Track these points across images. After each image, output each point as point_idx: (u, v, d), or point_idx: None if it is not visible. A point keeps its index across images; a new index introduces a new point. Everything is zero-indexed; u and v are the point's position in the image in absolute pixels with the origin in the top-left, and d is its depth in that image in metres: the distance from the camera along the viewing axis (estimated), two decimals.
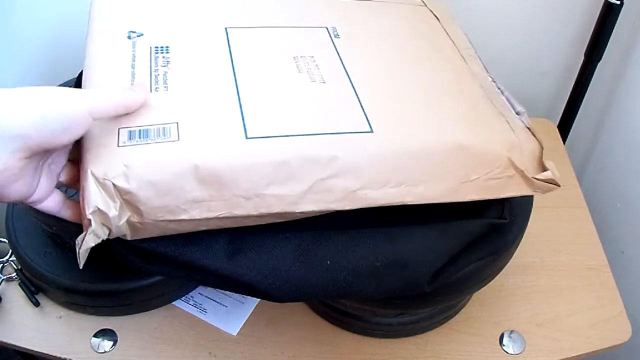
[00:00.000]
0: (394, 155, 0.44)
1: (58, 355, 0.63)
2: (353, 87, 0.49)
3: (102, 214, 0.39)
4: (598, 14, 0.81)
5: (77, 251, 0.39)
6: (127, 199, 0.40)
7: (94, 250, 0.40)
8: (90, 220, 0.39)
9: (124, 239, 0.43)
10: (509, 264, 0.58)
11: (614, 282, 0.71)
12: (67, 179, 0.44)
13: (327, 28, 0.56)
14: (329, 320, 0.67)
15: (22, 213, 0.67)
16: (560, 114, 0.93)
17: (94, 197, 0.39)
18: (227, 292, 0.69)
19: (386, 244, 0.46)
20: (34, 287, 0.67)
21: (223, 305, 0.68)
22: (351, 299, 0.59)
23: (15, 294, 0.68)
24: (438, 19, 0.62)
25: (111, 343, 0.64)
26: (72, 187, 0.44)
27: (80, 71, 0.51)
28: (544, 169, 0.48)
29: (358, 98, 0.48)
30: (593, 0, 0.82)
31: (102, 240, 0.41)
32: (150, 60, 0.48)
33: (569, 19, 0.87)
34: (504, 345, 0.65)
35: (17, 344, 0.64)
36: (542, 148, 0.49)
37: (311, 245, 0.46)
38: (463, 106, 0.50)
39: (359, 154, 0.43)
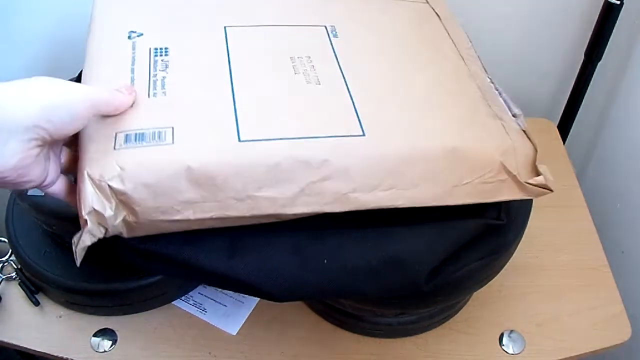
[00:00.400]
0: (386, 159, 0.45)
1: (58, 355, 0.63)
2: (348, 89, 0.49)
3: (98, 214, 0.40)
4: (598, 14, 0.81)
5: (74, 249, 0.40)
6: (122, 199, 0.41)
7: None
8: (86, 220, 0.40)
9: (124, 238, 0.43)
10: (508, 263, 0.58)
11: (614, 282, 0.71)
12: (65, 161, 0.46)
13: (325, 27, 0.56)
14: (329, 320, 0.67)
15: (22, 213, 0.67)
16: (560, 114, 0.93)
17: (90, 198, 0.40)
18: (227, 291, 0.69)
19: (383, 243, 0.47)
20: (34, 286, 0.67)
21: (223, 305, 0.68)
22: (350, 299, 0.59)
23: (15, 294, 0.68)
24: (439, 18, 0.62)
25: (111, 342, 0.64)
26: (69, 171, 0.46)
27: (80, 71, 0.51)
28: (538, 174, 0.48)
29: (352, 100, 0.48)
30: (593, 0, 0.82)
31: (100, 240, 0.41)
32: (150, 64, 0.49)
33: (569, 19, 0.87)
34: (503, 345, 0.65)
35: (17, 344, 0.64)
36: (536, 151, 0.49)
37: (309, 244, 0.46)
38: (458, 109, 0.50)
39: (351, 157, 0.44)
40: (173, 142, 0.42)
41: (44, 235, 0.66)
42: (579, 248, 0.75)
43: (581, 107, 0.90)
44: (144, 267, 0.47)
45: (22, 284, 0.68)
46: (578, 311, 0.68)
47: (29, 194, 0.59)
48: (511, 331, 0.66)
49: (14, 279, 0.69)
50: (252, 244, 0.46)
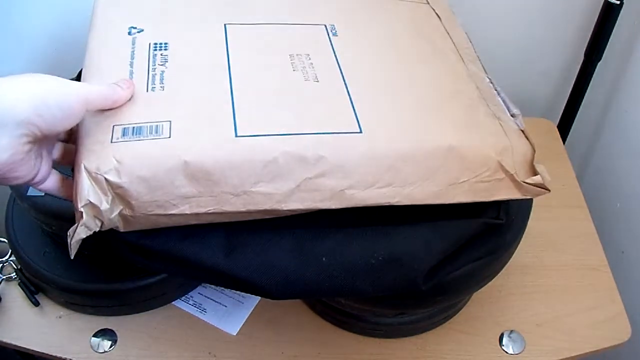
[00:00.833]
0: (383, 156, 0.45)
1: (58, 355, 0.63)
2: (346, 86, 0.50)
3: (94, 207, 0.40)
4: (598, 14, 0.81)
5: (69, 242, 0.41)
6: (118, 193, 0.41)
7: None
8: (82, 212, 0.40)
9: (123, 235, 0.44)
10: (508, 264, 0.58)
11: (614, 282, 0.71)
12: (59, 156, 0.46)
13: (325, 25, 0.56)
14: (329, 320, 0.67)
15: (22, 213, 0.67)
16: (560, 114, 0.93)
17: (87, 191, 0.40)
18: (227, 292, 0.70)
19: (382, 242, 0.47)
20: (34, 286, 0.67)
21: (223, 305, 0.68)
22: (348, 299, 0.59)
23: (15, 294, 0.68)
24: (439, 18, 0.62)
25: (111, 343, 0.64)
26: (64, 164, 0.46)
27: (81, 69, 0.51)
28: (535, 173, 0.48)
29: (350, 98, 0.48)
30: (593, 0, 0.83)
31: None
32: (149, 59, 0.49)
33: (569, 19, 0.87)
34: (503, 345, 0.65)
35: (17, 344, 0.64)
36: (534, 151, 0.49)
37: (307, 241, 0.46)
38: (456, 108, 0.51)
39: (347, 154, 0.44)
40: (170, 136, 0.43)
41: (44, 235, 0.66)
42: (579, 248, 0.75)
43: (581, 107, 0.90)
44: (144, 265, 0.47)
45: (22, 284, 0.68)
46: (578, 311, 0.68)
47: (29, 194, 0.59)
48: (511, 331, 0.66)
49: (14, 279, 0.69)
50: (251, 241, 0.46)
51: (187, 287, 0.69)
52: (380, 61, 0.54)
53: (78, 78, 0.51)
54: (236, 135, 0.43)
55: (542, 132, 0.90)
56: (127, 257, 0.47)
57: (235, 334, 0.66)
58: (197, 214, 0.43)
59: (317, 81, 0.50)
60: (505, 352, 0.65)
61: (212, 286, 0.70)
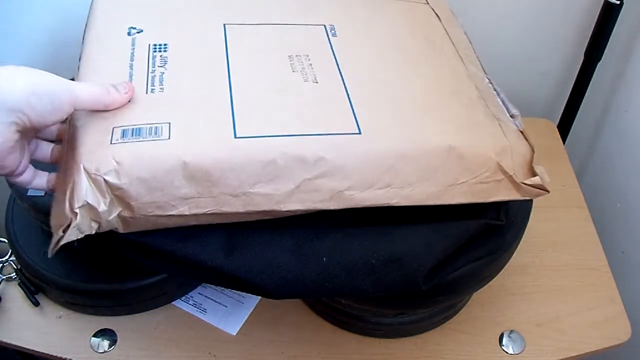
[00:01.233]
0: (381, 157, 0.45)
1: (58, 355, 0.63)
2: (345, 87, 0.50)
3: (91, 208, 0.40)
4: (598, 14, 0.81)
5: (54, 240, 0.41)
6: (117, 194, 0.41)
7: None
8: (76, 213, 0.40)
9: (123, 236, 0.44)
10: (508, 264, 0.58)
11: (614, 282, 0.71)
12: (53, 157, 0.47)
13: (324, 26, 0.56)
14: (329, 320, 0.67)
15: (22, 213, 0.67)
16: (560, 114, 0.93)
17: (85, 192, 0.40)
18: (227, 292, 0.69)
19: (382, 242, 0.47)
20: (34, 286, 0.67)
21: (223, 305, 0.68)
22: (349, 299, 0.59)
23: (15, 294, 0.68)
24: (439, 18, 0.62)
25: (111, 343, 0.64)
26: (54, 163, 0.47)
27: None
28: (534, 174, 0.48)
29: (349, 99, 0.48)
30: (593, 0, 0.82)
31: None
32: (148, 60, 0.49)
33: (569, 19, 0.87)
34: (503, 345, 0.65)
35: (17, 344, 0.64)
36: (533, 152, 0.49)
37: (308, 241, 0.46)
38: (456, 108, 0.51)
39: (347, 155, 0.44)
40: (169, 138, 0.43)
41: (44, 235, 0.66)
42: (579, 248, 0.75)
43: (581, 107, 0.90)
44: (144, 265, 0.47)
45: (22, 284, 0.68)
46: (578, 311, 0.68)
47: (29, 194, 0.59)
48: (511, 331, 0.66)
49: (14, 279, 0.69)
50: (252, 241, 0.46)
51: (187, 287, 0.69)
52: (379, 62, 0.54)
53: None
54: (235, 136, 0.44)
55: (542, 132, 0.90)
56: (127, 257, 0.47)
57: (235, 334, 0.66)
58: (196, 215, 0.43)
59: (316, 82, 0.50)
60: (505, 352, 0.65)
61: (212, 286, 0.70)
